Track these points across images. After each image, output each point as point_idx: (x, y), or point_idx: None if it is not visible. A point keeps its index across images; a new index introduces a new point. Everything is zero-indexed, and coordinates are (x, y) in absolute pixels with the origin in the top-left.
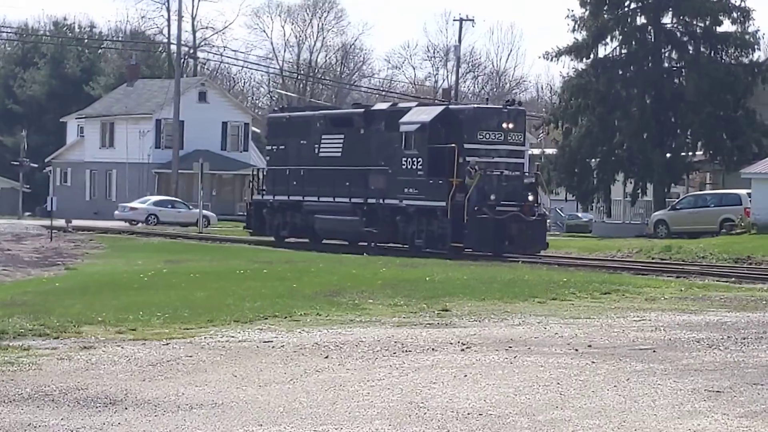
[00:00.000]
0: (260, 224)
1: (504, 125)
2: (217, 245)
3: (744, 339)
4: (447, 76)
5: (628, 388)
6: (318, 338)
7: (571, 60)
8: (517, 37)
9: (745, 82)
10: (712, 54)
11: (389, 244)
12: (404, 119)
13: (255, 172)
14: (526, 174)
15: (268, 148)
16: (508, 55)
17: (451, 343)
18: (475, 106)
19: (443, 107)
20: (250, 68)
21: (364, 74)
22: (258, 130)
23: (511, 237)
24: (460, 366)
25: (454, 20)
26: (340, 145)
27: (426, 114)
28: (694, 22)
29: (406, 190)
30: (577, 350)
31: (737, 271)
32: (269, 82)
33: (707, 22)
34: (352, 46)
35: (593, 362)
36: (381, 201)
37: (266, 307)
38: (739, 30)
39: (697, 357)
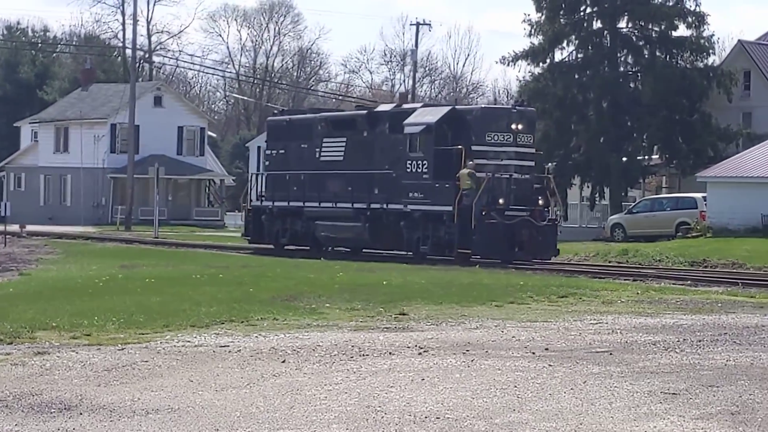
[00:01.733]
0: (259, 231)
1: (513, 126)
2: (173, 250)
3: (700, 341)
4: (404, 81)
5: (584, 390)
6: (275, 343)
7: (528, 64)
8: (474, 41)
9: (701, 86)
10: (668, 58)
11: (393, 252)
12: (409, 120)
13: (252, 177)
14: (536, 177)
15: (267, 152)
16: (465, 60)
17: (409, 347)
18: (483, 106)
19: (449, 107)
20: (206, 72)
21: (321, 79)
22: (214, 135)
23: (521, 243)
24: (418, 370)
25: (411, 24)
26: (342, 149)
27: (431, 115)
28: (650, 27)
29: (411, 194)
30: (534, 353)
31: (693, 274)
32: (225, 87)
33: (663, 27)
34: (309, 51)
35: (550, 365)
36: (385, 206)
37: (223, 311)
38: (695, 35)
39: (653, 359)
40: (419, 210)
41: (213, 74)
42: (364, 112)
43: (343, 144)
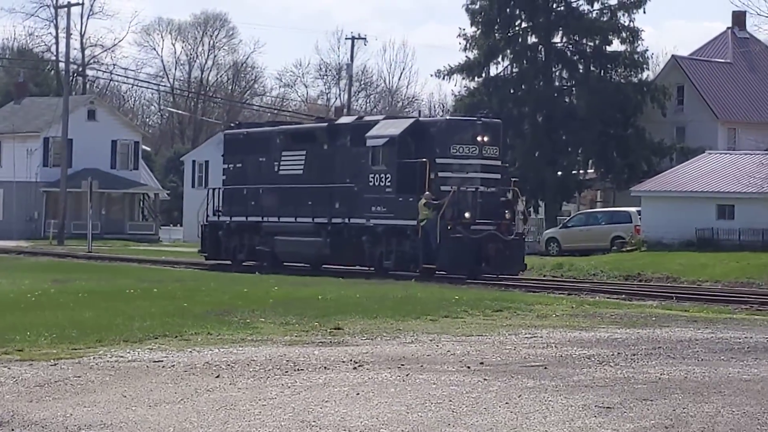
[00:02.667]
0: (215, 247)
1: (479, 138)
2: (107, 264)
3: (634, 355)
4: (339, 95)
5: (519, 404)
6: (209, 357)
7: (463, 78)
8: (409, 55)
9: (635, 100)
10: (603, 73)
11: (355, 267)
12: (371, 133)
13: (209, 192)
14: (503, 189)
15: (224, 166)
16: (401, 74)
17: (344, 362)
18: (448, 117)
19: (413, 119)
20: (140, 86)
21: (256, 92)
22: (148, 149)
23: (487, 258)
24: (353, 384)
25: (346, 39)
26: (302, 162)
27: (394, 127)
28: (585, 42)
29: (373, 208)
30: (469, 367)
31: (628, 288)
32: (160, 100)
33: (597, 42)
34: (244, 65)
35: (485, 379)
36: (346, 221)
37: (156, 326)
38: (629, 50)
39: (587, 373)
40: (382, 224)
41: (147, 88)
42: (325, 124)
43: (303, 157)
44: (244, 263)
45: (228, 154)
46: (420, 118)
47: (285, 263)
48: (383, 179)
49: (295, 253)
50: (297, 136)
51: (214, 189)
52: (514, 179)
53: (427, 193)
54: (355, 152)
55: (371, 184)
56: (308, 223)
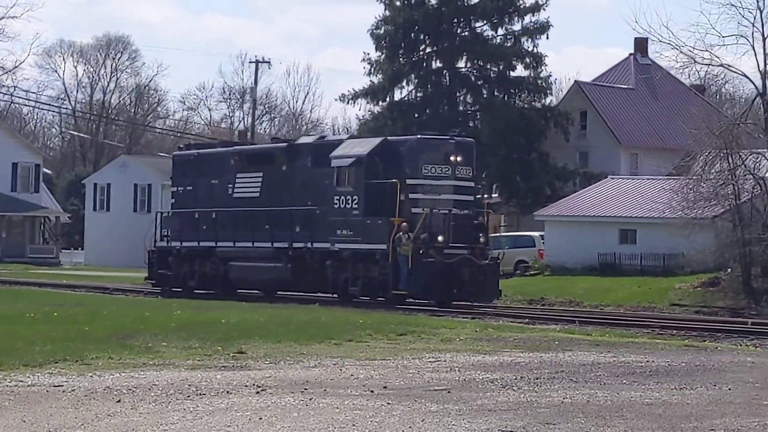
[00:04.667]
0: (164, 274)
1: (451, 158)
2: (6, 288)
3: (537, 379)
4: (243, 118)
5: (422, 428)
6: (110, 382)
7: (368, 103)
8: (314, 79)
9: (539, 125)
10: (506, 98)
11: (317, 294)
12: (336, 153)
13: (157, 216)
14: (476, 212)
15: (173, 189)
16: (305, 97)
17: (246, 386)
18: (419, 136)
19: (381, 138)
20: (42, 108)
21: (159, 115)
22: (49, 171)
23: (461, 283)
24: (255, 409)
25: (250, 62)
26: (259, 184)
27: (361, 146)
28: (489, 67)
29: (339, 231)
30: (372, 391)
31: (531, 312)
32: (61, 123)
33: (501, 67)
34: (147, 87)
35: (389, 403)
36: (309, 245)
37: (57, 350)
38: (532, 75)
39: (491, 397)
40: (348, 249)
41: (48, 110)
42: (284, 144)
43: (260, 179)
44: (195, 290)
45: (177, 176)
46: (388, 137)
47: (239, 290)
48: (349, 201)
49: (252, 279)
50: (253, 157)
51: (162, 213)
52: (487, 201)
53: (404, 224)
54: (318, 173)
55: (336, 206)
56: (267, 248)
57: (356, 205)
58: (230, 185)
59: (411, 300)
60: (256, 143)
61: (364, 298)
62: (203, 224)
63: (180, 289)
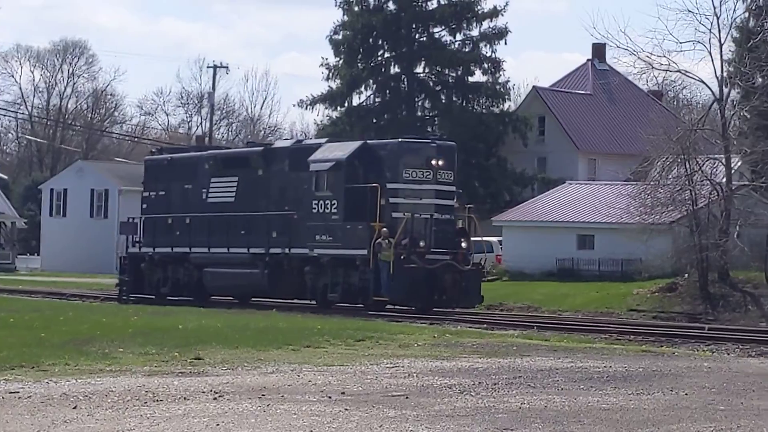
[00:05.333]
0: (137, 281)
1: (433, 162)
2: None
3: (495, 384)
4: (201, 123)
5: None
6: (66, 388)
7: (326, 108)
8: (272, 84)
9: (497, 130)
10: (465, 103)
11: (294, 300)
12: (315, 157)
13: (129, 222)
14: (458, 217)
15: (145, 194)
16: (263, 103)
17: (204, 392)
18: (400, 140)
19: (361, 142)
20: None
21: (116, 120)
22: (5, 177)
23: (443, 289)
24: (213, 415)
25: (208, 67)
26: (234, 189)
27: (341, 150)
28: (447, 72)
29: (318, 237)
30: (330, 397)
31: (489, 317)
32: (18, 128)
33: (459, 72)
34: (104, 92)
35: (346, 409)
36: (287, 251)
37: (12, 356)
38: (491, 80)
39: (449, 403)
40: (327, 254)
41: (5, 115)
42: (260, 148)
43: (235, 184)
44: (168, 297)
45: (149, 181)
46: (368, 141)
47: (213, 296)
48: (329, 206)
49: (227, 285)
50: (228, 162)
51: (133, 218)
52: (469, 206)
53: (384, 230)
54: (296, 177)
55: (315, 211)
56: (243, 254)
57: (336, 210)
58: (204, 190)
59: (390, 306)
60: (230, 148)
61: (343, 304)
62: (176, 230)
63: (153, 297)
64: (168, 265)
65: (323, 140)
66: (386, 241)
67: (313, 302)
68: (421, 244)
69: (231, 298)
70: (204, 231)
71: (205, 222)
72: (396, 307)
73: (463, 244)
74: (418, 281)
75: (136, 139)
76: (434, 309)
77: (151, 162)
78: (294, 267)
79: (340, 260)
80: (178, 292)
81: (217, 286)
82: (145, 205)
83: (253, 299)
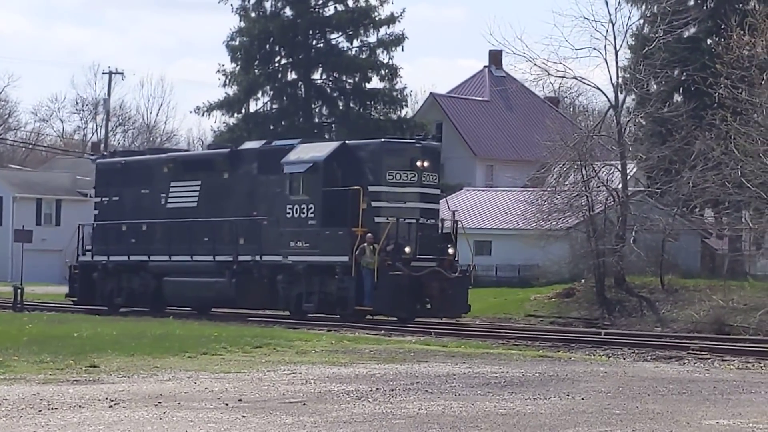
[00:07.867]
0: (88, 291)
1: (418, 163)
2: None
3: (392, 390)
4: (97, 130)
5: None
6: None
7: (223, 114)
8: (168, 90)
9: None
10: (362, 110)
11: (263, 311)
12: (289, 158)
13: (81, 229)
14: (443, 222)
15: (97, 200)
16: (159, 109)
17: (99, 400)
18: (382, 140)
19: (340, 142)
20: None
21: (10, 127)
22: None
23: (430, 298)
24: (108, 423)
25: (103, 73)
26: (196, 194)
27: (317, 151)
28: (344, 78)
29: (292, 243)
30: (227, 404)
31: (387, 323)
32: None
33: (357, 79)
34: None
35: (243, 416)
36: (257, 258)
37: None
38: (388, 87)
39: (346, 409)
40: (303, 261)
41: None
42: (225, 150)
43: (197, 188)
44: (122, 308)
45: (101, 186)
46: (347, 141)
47: (169, 307)
48: (305, 210)
49: (190, 296)
50: (189, 165)
51: (84, 225)
52: (454, 210)
53: (369, 235)
54: (266, 181)
55: (289, 216)
56: (209, 262)
57: (313, 215)
58: (163, 195)
59: (371, 317)
60: (190, 150)
61: (319, 314)
62: (132, 237)
63: (106, 308)
64: (123, 274)
65: (296, 141)
66: (370, 247)
67: (287, 312)
68: (407, 250)
69: (189, 309)
70: (164, 238)
71: (165, 229)
72: (375, 317)
73: (450, 250)
74: (403, 290)
75: (30, 146)
76: (416, 319)
77: (104, 165)
78: (265, 275)
79: (317, 268)
80: (134, 302)
81: (178, 295)
82: (97, 211)
83: (214, 310)
